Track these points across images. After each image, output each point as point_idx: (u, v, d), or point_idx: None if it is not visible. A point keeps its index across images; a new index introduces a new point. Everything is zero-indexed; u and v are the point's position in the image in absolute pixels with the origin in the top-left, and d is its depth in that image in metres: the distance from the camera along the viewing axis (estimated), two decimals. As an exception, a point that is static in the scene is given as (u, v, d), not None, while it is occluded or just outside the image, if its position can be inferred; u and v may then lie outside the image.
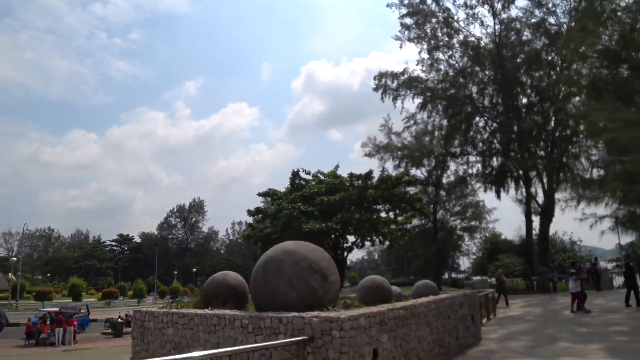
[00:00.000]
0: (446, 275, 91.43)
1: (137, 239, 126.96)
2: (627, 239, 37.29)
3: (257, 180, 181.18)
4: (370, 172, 35.82)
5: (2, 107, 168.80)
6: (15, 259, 65.23)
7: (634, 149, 11.15)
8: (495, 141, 46.75)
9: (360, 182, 35.61)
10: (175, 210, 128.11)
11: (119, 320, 31.45)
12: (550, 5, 40.27)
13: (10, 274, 59.26)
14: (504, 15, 42.79)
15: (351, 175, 36.35)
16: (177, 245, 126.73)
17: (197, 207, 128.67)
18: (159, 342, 9.32)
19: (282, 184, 38.37)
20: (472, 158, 48.49)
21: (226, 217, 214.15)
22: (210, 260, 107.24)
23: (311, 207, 33.99)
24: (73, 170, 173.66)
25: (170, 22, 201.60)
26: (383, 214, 36.64)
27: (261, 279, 8.24)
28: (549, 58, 40.89)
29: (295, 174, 37.99)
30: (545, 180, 41.58)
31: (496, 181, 46.88)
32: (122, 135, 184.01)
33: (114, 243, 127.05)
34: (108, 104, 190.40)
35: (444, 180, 57.39)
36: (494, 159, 47.20)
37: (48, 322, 27.90)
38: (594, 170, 34.82)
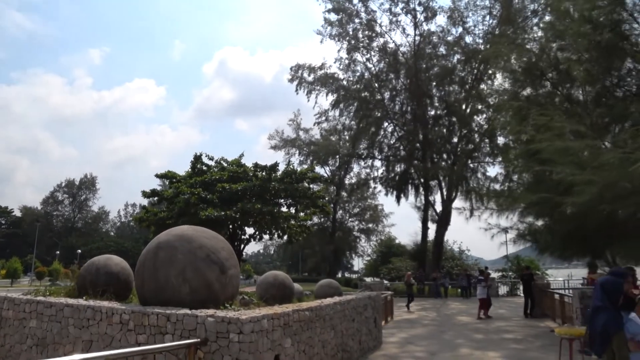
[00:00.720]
0: (340, 275, 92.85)
1: (17, 213, 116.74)
2: (514, 251, 39.50)
3: (156, 163, 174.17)
4: (276, 164, 35.04)
5: None
6: None
7: (558, 160, 11.24)
8: (401, 147, 47.77)
9: (264, 173, 34.68)
10: (63, 185, 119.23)
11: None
12: (469, 25, 41.77)
13: None
14: (424, 27, 43.82)
15: (256, 165, 35.36)
16: (62, 223, 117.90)
17: (89, 184, 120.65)
18: (19, 335, 7.84)
19: (182, 169, 36.51)
20: (377, 162, 49.31)
21: (119, 198, 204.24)
22: (98, 242, 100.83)
23: (211, 195, 32.58)
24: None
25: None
26: (284, 209, 36.01)
27: (149, 267, 7.10)
28: (462, 74, 42.37)
29: (197, 158, 36.28)
30: (444, 189, 43.07)
31: (398, 186, 47.88)
32: (10, 96, 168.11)
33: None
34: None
35: (347, 182, 58.06)
36: (398, 165, 48.22)
37: None
38: (491, 185, 36.54)
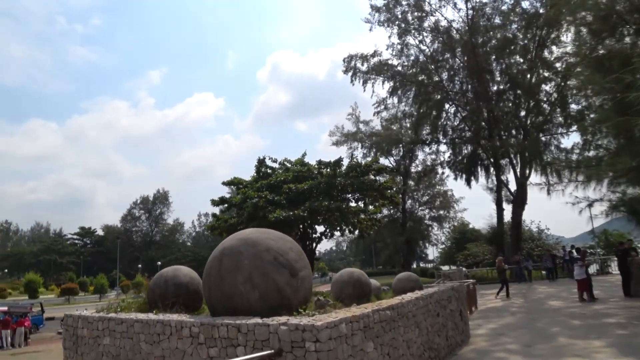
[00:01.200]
0: (414, 265, 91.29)
1: (100, 232, 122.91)
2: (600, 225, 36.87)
3: (223, 172, 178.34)
4: (340, 159, 34.46)
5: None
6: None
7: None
8: (466, 128, 46.00)
9: (329, 170, 34.18)
10: (138, 201, 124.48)
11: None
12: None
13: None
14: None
15: (320, 162, 34.93)
16: (141, 237, 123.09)
17: (162, 199, 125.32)
18: (95, 354, 7.70)
19: (248, 175, 36.71)
20: (442, 146, 47.80)
21: (192, 209, 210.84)
22: (176, 253, 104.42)
23: (278, 196, 32.49)
24: (32, 160, 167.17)
25: (134, 8, 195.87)
26: (352, 204, 35.41)
27: (215, 275, 6.71)
28: (523, 43, 40.14)
29: (261, 162, 36.33)
30: (517, 167, 41.01)
31: (467, 169, 46.13)
32: (83, 125, 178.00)
33: (75, 237, 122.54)
34: (68, 92, 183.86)
35: (412, 170, 56.73)
36: (465, 146, 46.48)
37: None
38: (567, 156, 34.33)
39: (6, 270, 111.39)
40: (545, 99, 39.83)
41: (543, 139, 40.19)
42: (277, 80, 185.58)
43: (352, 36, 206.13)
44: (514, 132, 42.49)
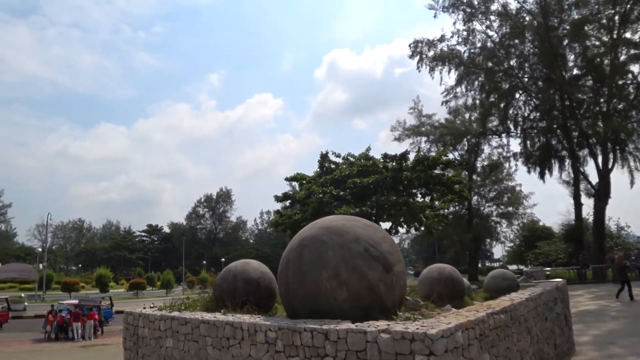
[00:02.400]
0: (480, 264, 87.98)
1: (167, 230, 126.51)
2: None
3: (283, 171, 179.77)
4: (407, 152, 32.94)
5: (32, 103, 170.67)
6: (40, 249, 64.74)
7: None
8: (538, 118, 43.26)
9: (394, 163, 32.74)
10: (202, 200, 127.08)
11: (143, 313, 29.42)
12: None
13: (41, 265, 58.53)
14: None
15: (385, 156, 33.52)
16: (205, 235, 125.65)
17: (225, 197, 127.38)
18: (156, 356, 6.85)
19: (309, 173, 35.87)
20: (511, 139, 45.24)
21: (254, 207, 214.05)
22: (239, 250, 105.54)
23: (343, 191, 31.43)
24: (103, 163, 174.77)
25: (193, 14, 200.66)
26: (419, 198, 33.84)
27: (294, 270, 5.66)
28: (601, 22, 37.04)
29: (324, 157, 35.33)
30: (599, 158, 37.93)
31: (540, 161, 43.36)
32: (149, 128, 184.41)
33: (143, 234, 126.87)
34: (134, 97, 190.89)
35: (478, 164, 54.27)
36: (537, 137, 43.69)
37: (64, 315, 26.05)
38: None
39: (80, 265, 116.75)
40: (629, 82, 36.69)
41: (629, 125, 36.91)
42: (335, 78, 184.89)
43: (410, 31, 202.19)
44: (591, 120, 39.38)
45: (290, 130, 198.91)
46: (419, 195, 34.12)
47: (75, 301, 29.62)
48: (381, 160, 33.59)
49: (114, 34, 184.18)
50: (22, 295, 45.12)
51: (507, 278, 10.08)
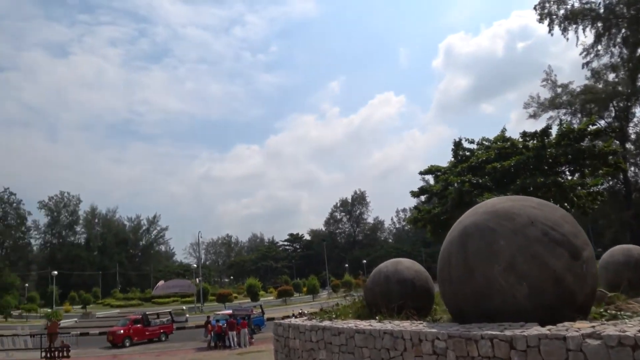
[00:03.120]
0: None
1: (307, 237, 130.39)
2: None
3: (415, 166, 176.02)
4: (548, 127, 29.95)
5: (176, 135, 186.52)
6: (195, 265, 69.92)
7: None
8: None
9: (535, 141, 29.94)
10: (339, 204, 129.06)
11: (294, 318, 30.05)
12: None
13: (197, 279, 62.90)
14: None
15: (524, 134, 30.73)
16: (345, 238, 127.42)
17: (360, 199, 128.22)
18: (311, 370, 6.38)
19: (442, 165, 34.21)
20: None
21: (389, 206, 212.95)
22: (379, 251, 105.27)
23: (482, 178, 29.42)
24: (242, 181, 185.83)
25: (304, 28, 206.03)
26: (567, 176, 30.61)
27: (458, 265, 4.80)
28: None
29: (457, 144, 33.37)
30: None
31: None
32: (280, 142, 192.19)
33: (286, 243, 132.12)
34: (262, 116, 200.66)
35: (631, 131, 48.17)
36: None
37: (222, 325, 27.33)
38: None
39: (232, 277, 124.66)
40: None
41: None
42: (453, 65, 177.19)
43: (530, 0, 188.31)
44: None
45: (416, 125, 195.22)
46: (567, 173, 30.97)
47: (230, 311, 31.01)
48: (520, 139, 30.99)
49: (236, 61, 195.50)
50: (184, 307, 48.77)
51: None
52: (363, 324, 5.52)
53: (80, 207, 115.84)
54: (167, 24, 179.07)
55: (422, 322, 5.13)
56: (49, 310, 52.93)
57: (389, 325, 5.15)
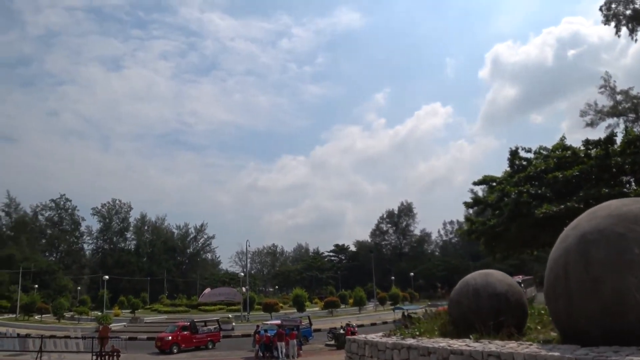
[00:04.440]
0: None
1: (353, 248, 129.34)
2: None
3: (461, 178, 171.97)
4: (613, 134, 28.36)
5: (221, 146, 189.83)
6: (242, 274, 70.04)
7: None
8: None
9: (598, 149, 28.38)
10: (385, 216, 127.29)
11: (341, 330, 29.44)
12: None
13: (244, 288, 63.00)
14: None
15: (587, 142, 29.16)
16: (391, 250, 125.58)
17: (406, 211, 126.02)
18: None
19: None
20: None
21: (435, 218, 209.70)
22: (426, 263, 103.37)
23: (541, 189, 28.07)
24: (287, 191, 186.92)
25: (349, 39, 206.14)
26: (632, 186, 28.87)
27: (577, 276, 4.08)
28: None
29: (514, 154, 31.99)
30: None
31: None
32: (325, 153, 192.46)
33: (331, 254, 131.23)
34: (308, 127, 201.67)
35: None
36: None
37: (270, 335, 26.95)
38: None
39: (276, 287, 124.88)
40: None
41: None
42: (500, 75, 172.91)
43: (579, 6, 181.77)
44: None
45: (463, 136, 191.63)
46: (631, 183, 29.24)
47: (278, 321, 30.61)
48: (581, 147, 29.44)
49: (283, 73, 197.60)
50: (230, 316, 48.73)
51: None
52: (458, 344, 4.85)
53: (131, 215, 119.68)
54: (216, 38, 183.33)
55: (530, 343, 4.44)
56: (100, 313, 54.10)
57: (492, 346, 4.47)
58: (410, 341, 5.52)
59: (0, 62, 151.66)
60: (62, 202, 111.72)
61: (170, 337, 29.40)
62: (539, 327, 5.66)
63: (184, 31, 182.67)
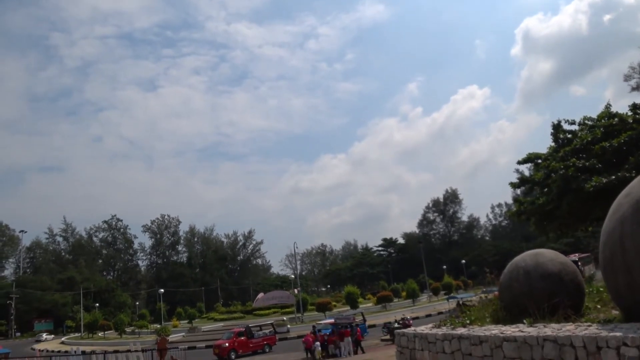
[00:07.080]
0: None
1: (401, 240, 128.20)
2: None
3: (505, 159, 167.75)
4: (664, 97, 26.97)
5: (263, 152, 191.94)
6: (293, 276, 70.52)
7: None
8: None
9: (647, 112, 27.03)
10: (430, 205, 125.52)
11: (396, 324, 29.11)
12: None
13: (295, 290, 63.34)
14: None
15: (634, 106, 27.83)
16: (440, 239, 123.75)
17: (452, 198, 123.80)
18: (446, 386, 5.46)
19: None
20: None
21: (482, 203, 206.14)
22: (477, 249, 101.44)
23: (588, 161, 26.92)
24: (330, 190, 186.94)
25: (376, 32, 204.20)
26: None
27: (634, 247, 3.77)
28: None
29: (556, 127, 30.77)
30: None
31: None
32: (364, 148, 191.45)
33: (380, 248, 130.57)
34: (345, 124, 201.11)
35: None
36: None
37: (324, 335, 26.90)
38: None
39: (329, 286, 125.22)
40: None
41: None
42: (533, 50, 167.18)
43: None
44: None
45: (503, 116, 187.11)
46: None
47: (332, 320, 30.53)
48: (629, 113, 28.11)
49: (314, 74, 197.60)
50: (284, 318, 49.09)
51: None
52: (511, 330, 4.57)
53: (180, 228, 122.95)
54: (245, 47, 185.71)
55: (589, 324, 4.13)
56: (159, 326, 55.41)
57: (547, 330, 4.17)
58: (460, 331, 5.25)
59: (44, 96, 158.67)
60: (114, 223, 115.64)
61: (227, 344, 29.80)
62: (599, 307, 5.30)
63: (212, 45, 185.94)
